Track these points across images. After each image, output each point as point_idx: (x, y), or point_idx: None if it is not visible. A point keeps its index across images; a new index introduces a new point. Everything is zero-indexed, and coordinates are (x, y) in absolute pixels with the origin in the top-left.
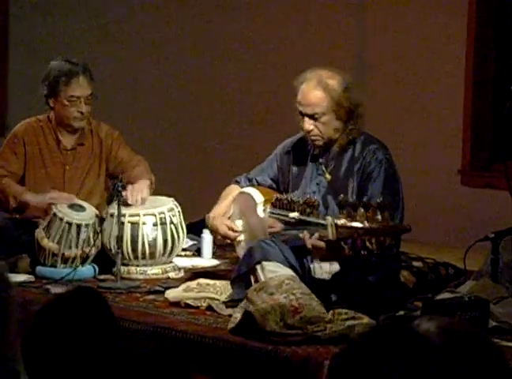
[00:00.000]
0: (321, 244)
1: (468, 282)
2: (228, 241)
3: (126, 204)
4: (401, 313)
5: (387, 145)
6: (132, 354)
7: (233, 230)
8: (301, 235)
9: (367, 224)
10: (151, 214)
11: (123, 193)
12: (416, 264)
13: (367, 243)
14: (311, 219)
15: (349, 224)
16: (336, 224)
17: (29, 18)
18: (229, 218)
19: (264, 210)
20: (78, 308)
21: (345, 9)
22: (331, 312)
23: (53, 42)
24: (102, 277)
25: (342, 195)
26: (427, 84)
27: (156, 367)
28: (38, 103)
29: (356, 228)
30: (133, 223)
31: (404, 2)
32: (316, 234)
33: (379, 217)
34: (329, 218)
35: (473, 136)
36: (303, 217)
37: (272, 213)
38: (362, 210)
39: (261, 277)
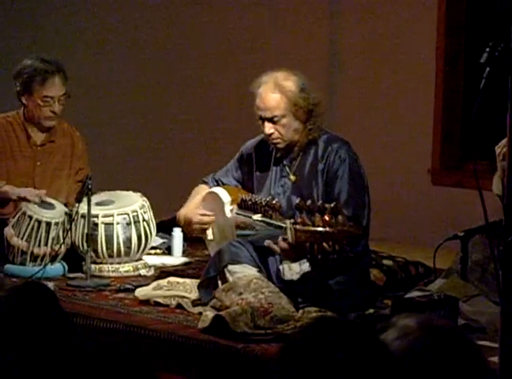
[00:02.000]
0: (285, 246)
1: (437, 280)
2: (204, 228)
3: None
4: (371, 311)
5: (357, 144)
6: (101, 352)
7: (205, 215)
8: (265, 244)
9: (323, 229)
10: (124, 213)
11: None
12: (386, 262)
13: (325, 247)
14: (272, 221)
15: (306, 228)
16: (294, 228)
17: (4, 18)
18: None
19: (231, 210)
20: (27, 303)
21: (317, 8)
22: (301, 311)
23: (27, 43)
24: (72, 275)
25: (299, 199)
26: (397, 83)
27: (124, 365)
28: (8, 102)
29: (313, 232)
30: (107, 224)
31: (376, 2)
32: (280, 238)
33: (336, 221)
34: (288, 222)
35: (443, 135)
36: (265, 219)
37: (238, 214)
38: (318, 214)
39: (230, 280)
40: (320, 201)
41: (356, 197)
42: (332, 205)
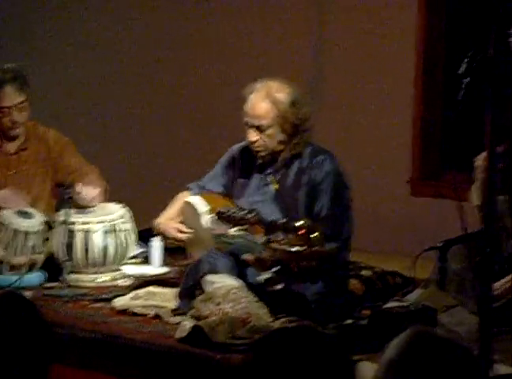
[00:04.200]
0: (252, 259)
1: (416, 290)
2: (177, 243)
3: (78, 208)
4: (349, 321)
5: (337, 154)
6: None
7: (181, 232)
8: (243, 257)
9: (293, 248)
10: (102, 221)
11: (76, 191)
12: (364, 272)
13: (300, 265)
14: (247, 238)
15: (278, 247)
16: (269, 247)
17: None
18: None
19: (210, 218)
20: (4, 313)
21: (303, 19)
22: (280, 321)
23: (18, 44)
24: (49, 285)
25: (272, 218)
26: (377, 94)
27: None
28: None
29: (284, 251)
30: (84, 231)
31: (358, 14)
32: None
33: (310, 240)
34: (263, 239)
35: (423, 146)
36: (241, 234)
37: (216, 224)
38: (291, 233)
39: (207, 290)
40: (293, 221)
41: (337, 213)
42: (305, 224)
